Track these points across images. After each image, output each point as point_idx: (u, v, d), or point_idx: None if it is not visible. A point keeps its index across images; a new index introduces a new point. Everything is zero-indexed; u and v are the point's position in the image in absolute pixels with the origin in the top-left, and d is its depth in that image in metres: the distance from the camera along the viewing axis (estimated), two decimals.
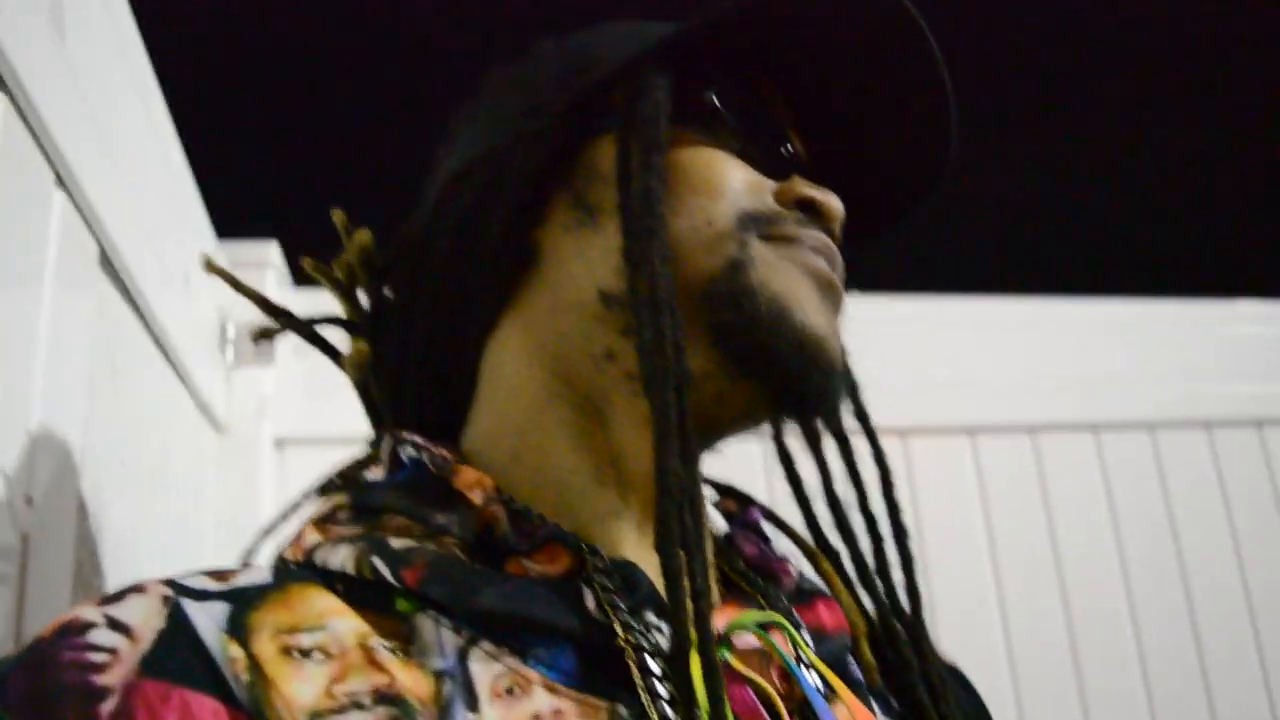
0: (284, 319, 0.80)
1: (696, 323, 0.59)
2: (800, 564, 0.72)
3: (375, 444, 0.74)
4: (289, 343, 1.54)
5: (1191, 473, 1.86)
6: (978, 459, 1.78)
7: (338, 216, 0.75)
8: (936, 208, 0.74)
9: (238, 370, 1.45)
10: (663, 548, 0.53)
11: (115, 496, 0.90)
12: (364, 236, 0.74)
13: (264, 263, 1.51)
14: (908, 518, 0.72)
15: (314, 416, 1.52)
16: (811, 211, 0.64)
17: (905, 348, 1.73)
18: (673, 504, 0.54)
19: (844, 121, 0.70)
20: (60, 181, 0.75)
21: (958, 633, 1.65)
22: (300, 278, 1.64)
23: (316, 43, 1.71)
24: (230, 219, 1.43)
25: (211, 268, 0.80)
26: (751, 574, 0.67)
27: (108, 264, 0.88)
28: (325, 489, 0.76)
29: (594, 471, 0.62)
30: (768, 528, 0.73)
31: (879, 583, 0.72)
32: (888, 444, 0.72)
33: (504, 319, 0.65)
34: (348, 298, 0.76)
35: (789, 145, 0.68)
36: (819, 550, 0.74)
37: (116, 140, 0.87)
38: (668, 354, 0.56)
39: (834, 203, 0.65)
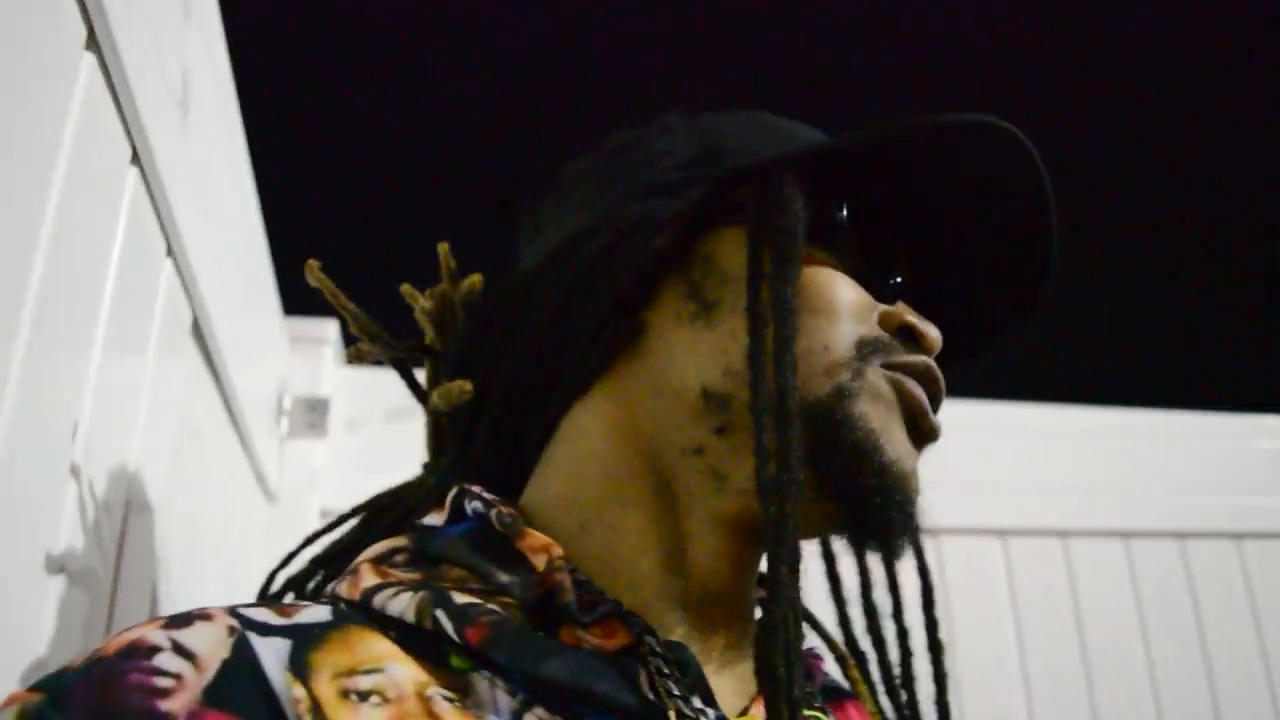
0: (382, 344, 0.80)
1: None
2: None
3: (429, 474, 0.77)
4: (340, 416, 1.59)
5: (1220, 583, 1.86)
6: (1008, 561, 1.80)
7: (443, 250, 0.77)
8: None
9: (291, 441, 1.49)
10: (768, 654, 0.54)
11: (180, 556, 0.92)
12: (476, 279, 0.76)
13: (323, 339, 1.57)
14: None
15: (361, 489, 1.54)
16: (912, 339, 0.65)
17: (943, 450, 1.76)
18: (781, 613, 0.54)
19: (946, 255, 0.71)
20: (170, 250, 0.79)
21: None
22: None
23: (375, 124, 1.77)
24: (294, 296, 1.49)
25: (315, 278, 0.80)
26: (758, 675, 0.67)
27: (196, 331, 0.92)
28: (370, 513, 0.80)
29: (658, 556, 0.62)
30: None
31: (903, 694, 0.72)
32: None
33: (596, 388, 0.65)
34: (438, 328, 0.78)
35: (898, 274, 0.69)
36: (850, 653, 0.75)
37: (215, 214, 0.92)
38: (793, 466, 0.56)
39: (934, 333, 0.65)
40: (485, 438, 0.71)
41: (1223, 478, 1.94)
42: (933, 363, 0.65)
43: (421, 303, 0.78)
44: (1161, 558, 1.85)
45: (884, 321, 0.65)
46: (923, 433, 0.64)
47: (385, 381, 1.66)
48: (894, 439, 0.61)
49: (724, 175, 0.65)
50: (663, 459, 0.63)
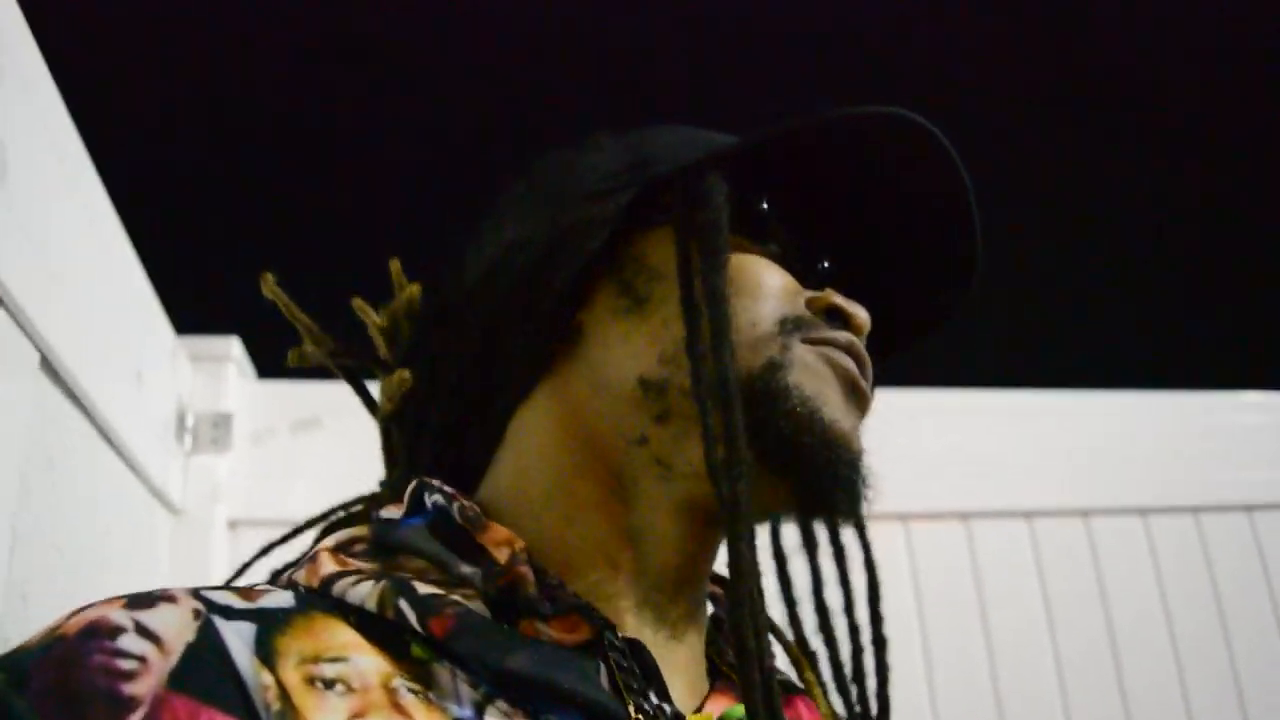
0: (325, 349, 0.81)
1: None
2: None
3: (386, 484, 0.78)
4: (245, 430, 1.64)
5: (1182, 556, 1.92)
6: (972, 542, 1.85)
7: (394, 265, 0.79)
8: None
9: (194, 457, 1.54)
10: (738, 630, 0.54)
11: (64, 582, 0.97)
12: (414, 290, 0.78)
13: (225, 357, 1.60)
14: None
15: (267, 500, 1.60)
16: (840, 321, 0.67)
17: (906, 437, 1.82)
18: (746, 588, 0.55)
19: (873, 241, 0.73)
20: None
21: (955, 706, 1.72)
22: (262, 370, 1.74)
23: (275, 140, 1.81)
24: (193, 315, 1.53)
25: (270, 290, 0.82)
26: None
27: (48, 368, 0.96)
28: (327, 525, 0.81)
29: (608, 549, 0.63)
30: None
31: (854, 689, 0.74)
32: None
33: (539, 389, 0.67)
34: (389, 341, 0.79)
35: (825, 260, 0.72)
36: (801, 654, 0.76)
37: (58, 257, 0.96)
38: (739, 444, 0.57)
39: (862, 314, 0.67)
40: (432, 446, 0.72)
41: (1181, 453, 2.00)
42: (856, 340, 0.66)
43: (373, 318, 0.79)
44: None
45: (811, 304, 0.67)
46: (858, 395, 0.66)
47: (290, 394, 1.72)
48: (830, 401, 0.63)
49: (651, 179, 0.67)
50: (609, 452, 0.64)
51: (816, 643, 0.78)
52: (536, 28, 1.88)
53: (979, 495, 1.85)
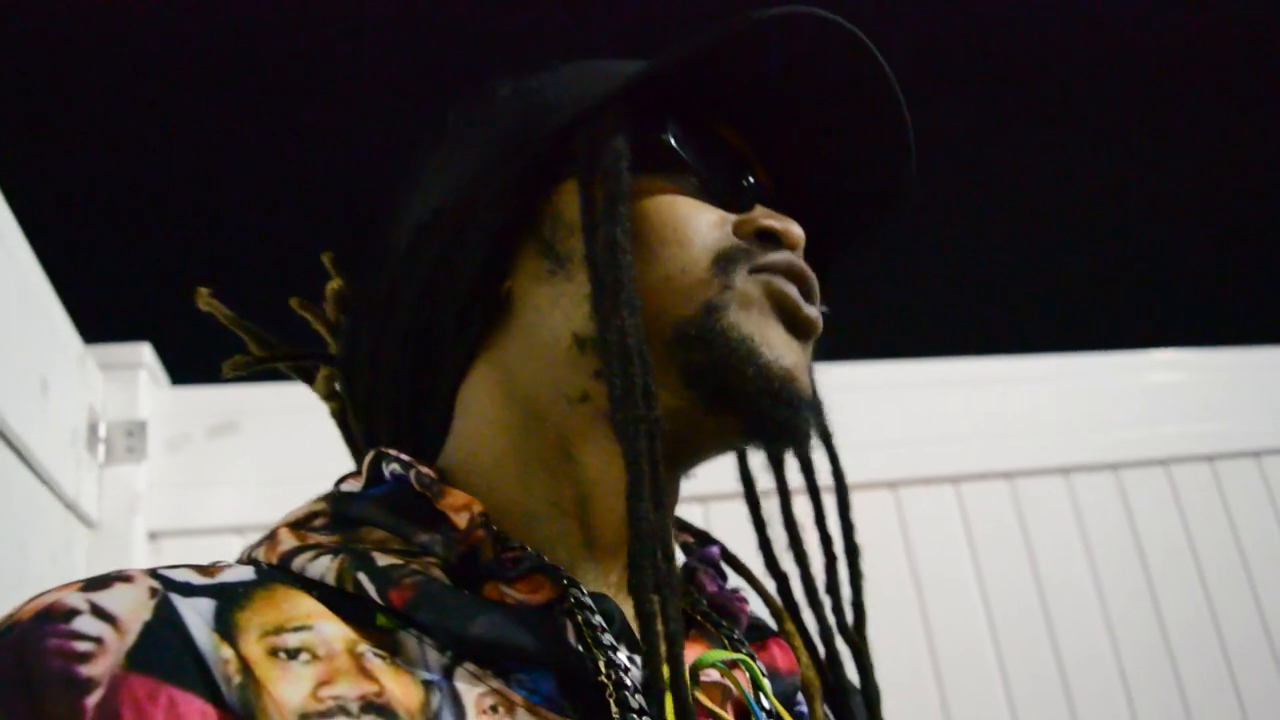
0: (271, 350, 0.78)
1: (670, 364, 0.60)
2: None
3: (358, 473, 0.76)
4: (160, 438, 1.60)
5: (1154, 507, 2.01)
6: (962, 504, 1.89)
7: (327, 257, 0.76)
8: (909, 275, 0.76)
9: (109, 468, 1.49)
10: (636, 591, 0.53)
11: None
12: (336, 283, 0.76)
13: (136, 363, 1.55)
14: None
15: (187, 509, 1.56)
16: (773, 240, 0.64)
17: (893, 407, 1.84)
18: (646, 548, 0.53)
19: (805, 146, 0.70)
20: None
21: (956, 663, 1.76)
22: (176, 376, 1.70)
23: (179, 143, 1.77)
24: (103, 323, 1.49)
25: (205, 303, 0.78)
26: (711, 611, 0.67)
27: None
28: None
29: (564, 507, 0.62)
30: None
31: (828, 600, 0.72)
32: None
33: (478, 361, 0.65)
34: (334, 334, 0.77)
35: (749, 177, 0.68)
36: (778, 599, 0.74)
37: None
38: (638, 402, 0.55)
39: (794, 229, 0.65)
40: (387, 428, 0.70)
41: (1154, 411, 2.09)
42: (796, 258, 0.64)
43: (318, 314, 0.77)
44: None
45: (740, 229, 0.64)
46: (800, 326, 0.63)
47: (205, 399, 1.67)
48: (769, 339, 0.61)
49: (549, 131, 0.64)
50: (552, 413, 0.62)
51: (788, 561, 0.75)
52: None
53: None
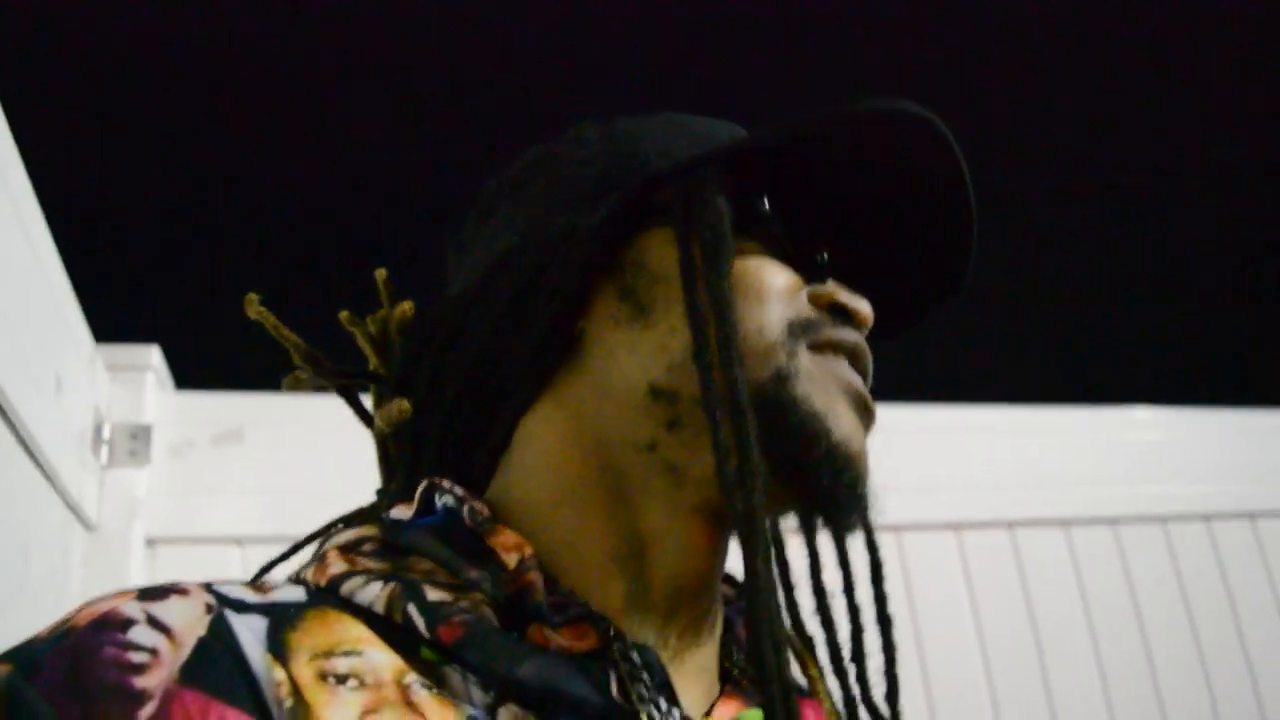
0: (317, 366, 0.77)
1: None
2: None
3: (383, 495, 0.74)
4: (164, 443, 1.56)
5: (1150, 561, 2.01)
6: (963, 551, 1.88)
7: (380, 275, 0.76)
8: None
9: (111, 470, 1.46)
10: (758, 647, 0.52)
11: None
12: (408, 306, 0.75)
13: (144, 366, 1.51)
14: (901, 604, 0.71)
15: (186, 516, 1.52)
16: (843, 316, 0.65)
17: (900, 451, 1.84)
18: (764, 602, 0.53)
19: (870, 230, 0.71)
20: None
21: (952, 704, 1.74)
22: (181, 381, 1.66)
23: (197, 153, 1.75)
24: (113, 324, 1.46)
25: (255, 311, 0.77)
26: (748, 666, 0.67)
27: None
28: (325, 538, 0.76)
29: (617, 556, 0.61)
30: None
31: (853, 669, 0.71)
32: (882, 539, 0.72)
33: (542, 398, 0.65)
34: (379, 353, 0.76)
35: (824, 251, 0.68)
36: (801, 642, 0.73)
37: None
38: (753, 458, 0.55)
39: (865, 309, 0.65)
40: (432, 459, 0.70)
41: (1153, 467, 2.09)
42: (862, 340, 0.65)
43: (364, 328, 0.77)
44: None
45: (814, 300, 0.65)
46: (865, 413, 0.64)
47: (210, 406, 1.64)
48: (839, 418, 0.61)
49: (645, 181, 0.64)
50: (616, 459, 0.62)
51: (814, 627, 0.75)
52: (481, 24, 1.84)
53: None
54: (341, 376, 0.76)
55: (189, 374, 1.62)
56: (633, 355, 0.62)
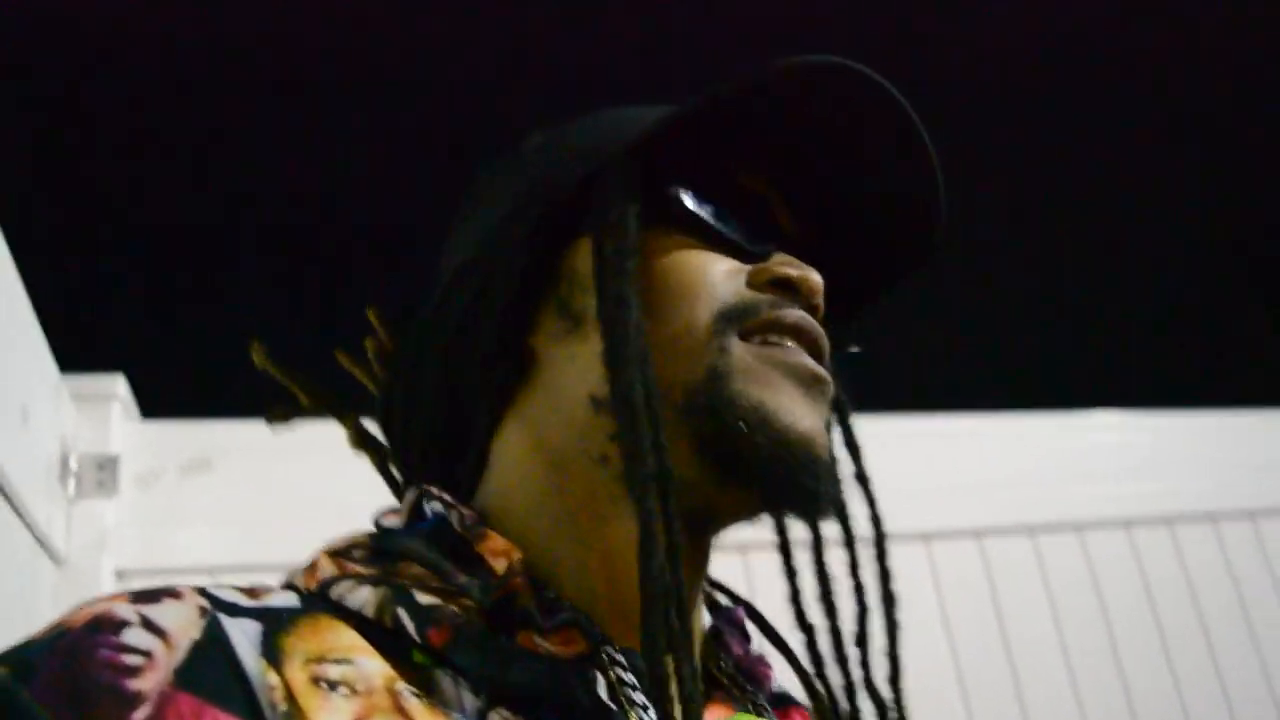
0: (328, 406, 0.76)
1: (681, 431, 0.57)
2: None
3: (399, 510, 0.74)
4: (131, 473, 1.54)
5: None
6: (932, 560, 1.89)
7: (372, 313, 0.75)
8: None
9: (79, 502, 1.43)
10: (648, 651, 0.51)
11: None
12: (384, 336, 0.75)
13: (110, 395, 1.49)
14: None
15: (156, 547, 1.49)
16: (790, 289, 0.62)
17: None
18: (658, 607, 0.52)
19: (832, 194, 0.68)
20: None
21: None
22: (147, 410, 1.64)
23: (158, 178, 1.73)
24: (75, 353, 1.44)
25: (260, 360, 0.77)
26: (736, 674, 0.66)
27: None
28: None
29: (591, 567, 0.60)
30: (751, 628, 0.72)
31: (857, 653, 0.70)
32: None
33: (508, 416, 0.64)
34: (376, 383, 0.76)
35: (769, 223, 0.66)
36: (804, 663, 0.72)
37: None
38: (647, 457, 0.54)
39: (812, 277, 0.62)
40: (424, 475, 0.69)
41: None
42: (805, 316, 0.61)
43: (362, 369, 0.76)
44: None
45: (754, 280, 0.62)
46: (812, 385, 0.60)
47: (178, 435, 1.62)
48: (782, 404, 0.58)
49: (560, 189, 0.63)
50: (578, 472, 0.61)
51: (817, 613, 0.72)
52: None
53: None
54: (346, 412, 0.76)
55: (154, 402, 1.59)
56: (573, 367, 0.61)
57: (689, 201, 0.63)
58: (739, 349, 0.59)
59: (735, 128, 0.64)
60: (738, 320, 0.60)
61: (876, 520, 0.71)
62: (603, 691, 0.54)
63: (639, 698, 0.55)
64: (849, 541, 0.71)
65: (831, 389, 0.62)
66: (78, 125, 1.64)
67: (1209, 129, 2.30)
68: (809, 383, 0.60)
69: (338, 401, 0.76)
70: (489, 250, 0.65)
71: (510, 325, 0.63)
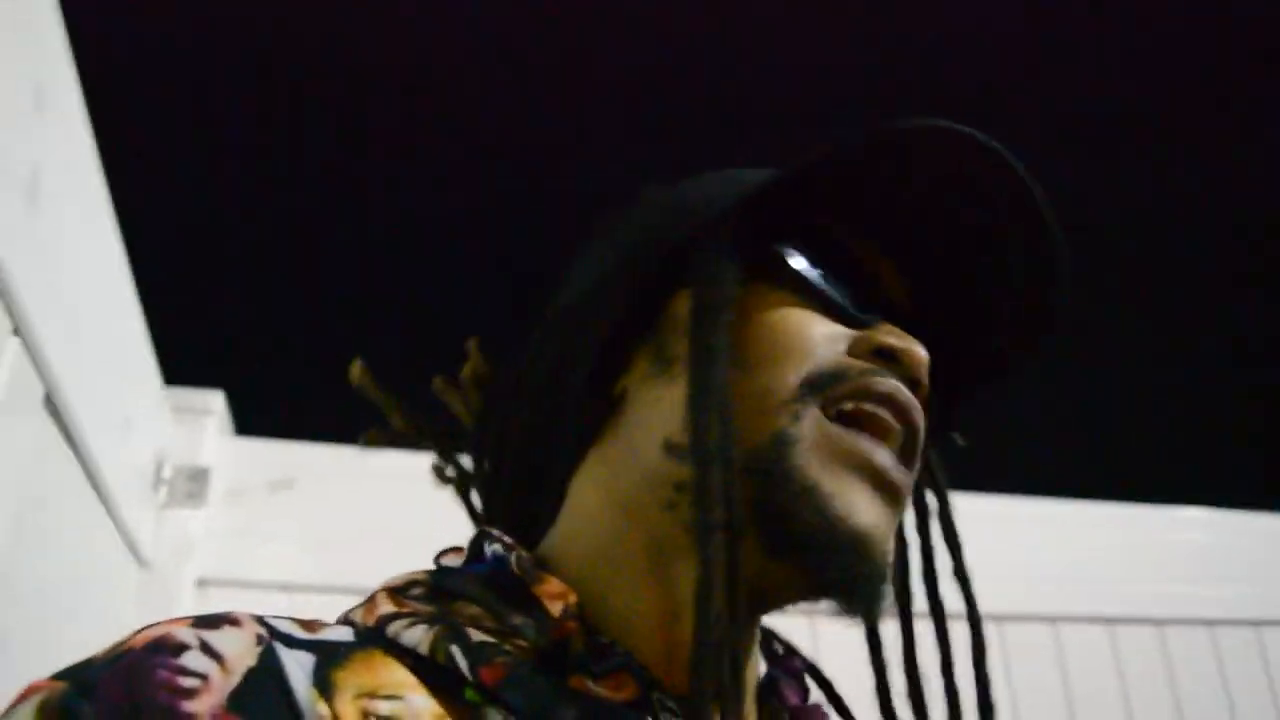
0: (418, 429, 0.79)
1: (744, 497, 0.56)
2: None
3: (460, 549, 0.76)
4: (222, 486, 1.59)
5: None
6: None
7: (472, 344, 0.77)
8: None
9: (168, 510, 1.49)
10: (695, 698, 0.51)
11: (21, 624, 0.92)
12: (479, 362, 0.77)
13: (207, 410, 1.55)
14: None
15: (237, 560, 1.54)
16: (892, 360, 0.60)
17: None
18: (710, 655, 0.52)
19: (946, 267, 0.66)
20: (16, 330, 0.81)
21: None
22: (242, 427, 1.70)
23: (268, 206, 1.79)
24: (181, 367, 1.50)
25: (359, 378, 0.80)
26: None
27: (50, 405, 0.93)
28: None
29: (651, 617, 0.60)
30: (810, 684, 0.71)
31: None
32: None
33: (589, 457, 0.65)
34: (470, 412, 0.78)
35: (877, 293, 0.65)
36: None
37: (73, 295, 0.94)
38: (716, 506, 0.54)
39: (915, 349, 0.60)
40: (501, 515, 0.70)
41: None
42: (901, 388, 0.59)
43: (456, 398, 0.78)
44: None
45: (854, 348, 0.61)
46: (882, 484, 0.58)
47: (268, 453, 1.67)
48: (842, 492, 0.57)
49: (670, 240, 0.63)
50: (645, 517, 0.61)
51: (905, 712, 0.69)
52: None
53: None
54: (438, 439, 0.78)
55: (252, 420, 1.65)
56: (655, 411, 0.61)
57: (794, 261, 0.63)
58: (813, 420, 0.58)
59: (849, 189, 0.63)
60: (826, 386, 0.58)
61: (975, 624, 0.69)
62: None
63: None
64: (940, 637, 0.69)
65: (906, 494, 0.60)
66: (196, 140, 1.71)
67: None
68: (876, 479, 0.58)
69: (430, 428, 0.78)
70: (595, 293, 0.66)
71: (605, 364, 0.64)
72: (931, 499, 0.72)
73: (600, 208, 0.74)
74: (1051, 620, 1.89)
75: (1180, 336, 2.34)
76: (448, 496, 0.78)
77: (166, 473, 1.48)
